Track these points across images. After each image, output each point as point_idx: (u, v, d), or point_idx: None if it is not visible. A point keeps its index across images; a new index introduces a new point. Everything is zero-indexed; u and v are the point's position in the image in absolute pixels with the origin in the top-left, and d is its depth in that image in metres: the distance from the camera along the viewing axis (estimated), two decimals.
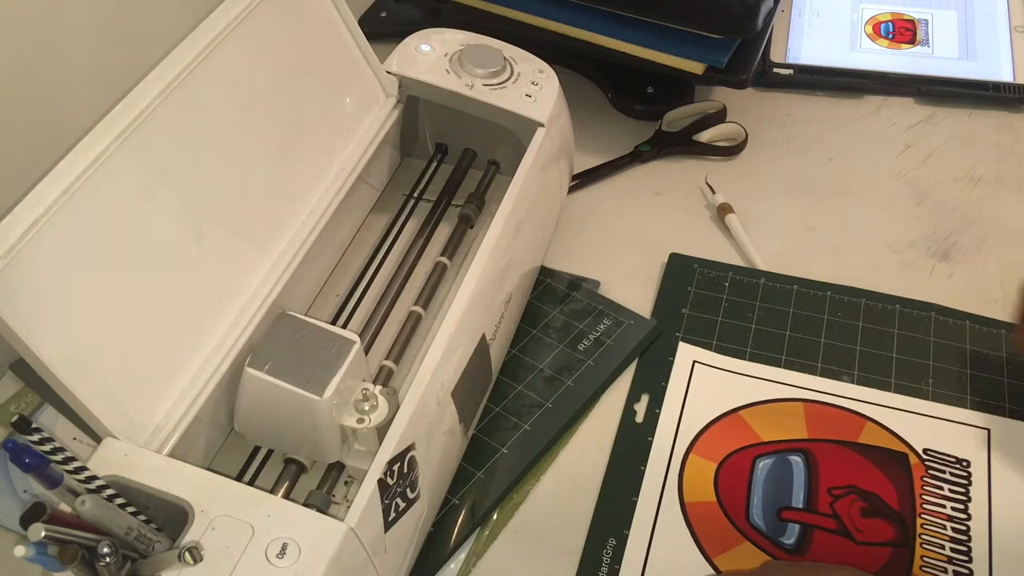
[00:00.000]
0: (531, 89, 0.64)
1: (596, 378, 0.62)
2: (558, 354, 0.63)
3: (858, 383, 0.61)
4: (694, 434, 0.59)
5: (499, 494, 0.56)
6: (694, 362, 0.63)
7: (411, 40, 0.67)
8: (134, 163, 0.46)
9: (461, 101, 0.64)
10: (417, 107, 0.67)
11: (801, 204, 0.74)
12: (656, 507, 0.55)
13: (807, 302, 0.66)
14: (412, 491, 0.47)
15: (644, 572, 0.52)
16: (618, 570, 0.52)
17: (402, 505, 0.46)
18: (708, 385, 0.61)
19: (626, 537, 0.54)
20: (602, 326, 0.65)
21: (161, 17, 0.68)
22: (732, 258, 0.70)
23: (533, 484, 0.57)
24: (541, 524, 0.55)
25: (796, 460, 0.57)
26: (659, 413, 0.60)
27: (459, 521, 0.55)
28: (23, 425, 0.35)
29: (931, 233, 0.71)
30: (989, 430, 0.57)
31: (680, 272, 0.69)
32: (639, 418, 0.60)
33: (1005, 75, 0.82)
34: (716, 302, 0.66)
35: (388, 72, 0.64)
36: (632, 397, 0.61)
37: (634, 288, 0.68)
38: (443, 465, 0.53)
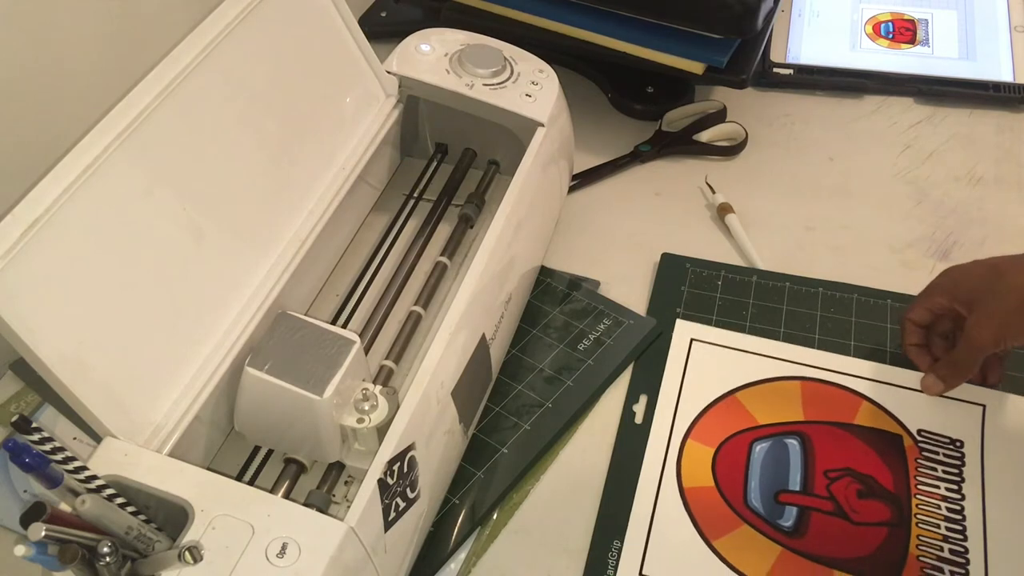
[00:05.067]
0: (531, 89, 0.64)
1: (596, 378, 0.62)
2: (558, 354, 0.63)
3: (855, 355, 0.61)
4: (692, 419, 0.59)
5: (499, 494, 0.56)
6: (692, 340, 0.63)
7: (411, 40, 0.67)
8: (134, 163, 0.46)
9: (461, 101, 0.64)
10: (417, 107, 0.67)
11: (801, 204, 0.74)
12: (655, 493, 0.55)
13: (800, 299, 0.66)
14: (412, 491, 0.47)
15: (644, 555, 0.52)
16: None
17: (402, 505, 0.46)
18: (706, 364, 0.61)
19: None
20: (602, 326, 0.65)
21: (161, 17, 0.68)
22: (732, 258, 0.70)
23: (533, 484, 0.57)
24: (541, 524, 0.56)
25: (792, 443, 0.57)
26: (656, 404, 0.60)
27: (459, 521, 0.55)
28: (23, 425, 0.35)
29: (931, 233, 0.71)
30: (985, 405, 0.58)
31: (672, 272, 0.69)
32: (638, 419, 0.60)
33: (1005, 75, 0.82)
34: (710, 301, 0.66)
35: (388, 72, 0.64)
36: (631, 398, 0.61)
37: (634, 288, 0.68)
38: (443, 465, 0.53)
